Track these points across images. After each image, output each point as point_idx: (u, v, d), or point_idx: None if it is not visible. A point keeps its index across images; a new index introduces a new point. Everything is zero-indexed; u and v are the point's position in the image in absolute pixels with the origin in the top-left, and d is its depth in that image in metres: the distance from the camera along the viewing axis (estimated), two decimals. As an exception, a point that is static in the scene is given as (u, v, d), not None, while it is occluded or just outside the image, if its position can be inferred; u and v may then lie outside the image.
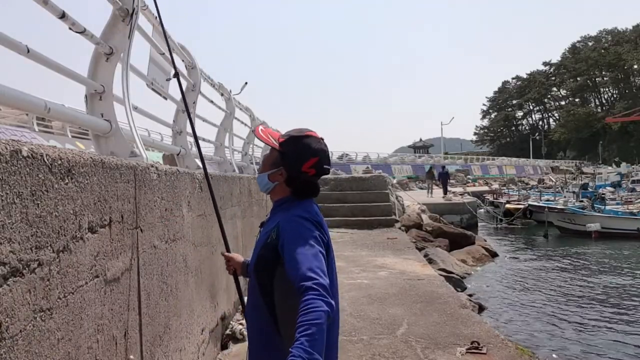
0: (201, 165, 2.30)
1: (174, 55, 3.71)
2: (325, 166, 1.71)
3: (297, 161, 1.67)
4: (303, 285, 1.41)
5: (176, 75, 2.51)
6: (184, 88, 4.41)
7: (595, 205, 19.83)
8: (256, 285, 1.67)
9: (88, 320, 1.63)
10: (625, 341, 7.08)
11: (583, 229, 17.63)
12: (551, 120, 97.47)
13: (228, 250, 2.05)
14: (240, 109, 7.38)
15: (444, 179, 23.84)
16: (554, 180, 39.63)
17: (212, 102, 5.70)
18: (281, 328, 1.60)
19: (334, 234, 10.91)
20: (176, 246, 2.70)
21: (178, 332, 2.68)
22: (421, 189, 28.55)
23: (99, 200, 1.72)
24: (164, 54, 3.43)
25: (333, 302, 1.41)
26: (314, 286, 1.39)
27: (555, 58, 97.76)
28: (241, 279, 2.04)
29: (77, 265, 1.55)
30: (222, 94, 6.17)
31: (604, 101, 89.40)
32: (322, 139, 1.75)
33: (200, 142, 2.42)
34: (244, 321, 3.77)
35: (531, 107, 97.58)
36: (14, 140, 1.26)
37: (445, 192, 22.58)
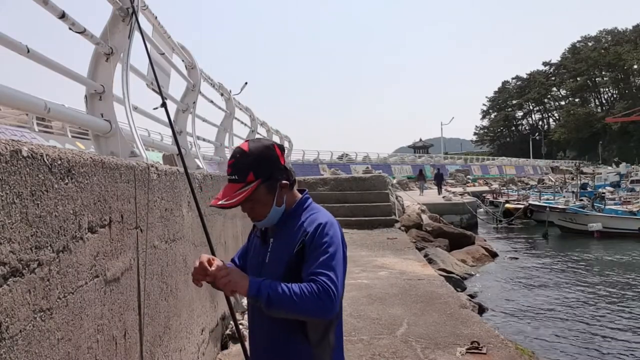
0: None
1: (178, 57, 3.71)
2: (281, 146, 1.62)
3: (276, 162, 1.54)
4: (324, 276, 1.39)
5: (164, 105, 2.34)
6: (183, 90, 4.43)
7: (595, 204, 19.84)
8: None
9: (88, 320, 1.62)
10: (626, 341, 7.08)
11: (584, 229, 17.63)
12: (551, 120, 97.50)
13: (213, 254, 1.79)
14: (240, 109, 7.38)
15: (438, 179, 25.94)
16: (554, 180, 39.64)
17: (212, 102, 5.70)
18: (309, 332, 1.53)
19: (334, 234, 10.88)
20: (176, 246, 2.70)
21: (178, 332, 2.68)
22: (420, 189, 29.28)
23: (98, 200, 1.72)
24: (163, 54, 3.43)
25: (337, 308, 1.44)
26: (332, 288, 1.39)
27: (555, 58, 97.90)
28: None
29: (77, 265, 1.55)
30: (222, 94, 6.17)
31: (604, 101, 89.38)
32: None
33: (200, 142, 2.41)
34: (244, 321, 3.77)
35: (531, 107, 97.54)
36: (14, 140, 1.26)
37: (440, 191, 24.43)
